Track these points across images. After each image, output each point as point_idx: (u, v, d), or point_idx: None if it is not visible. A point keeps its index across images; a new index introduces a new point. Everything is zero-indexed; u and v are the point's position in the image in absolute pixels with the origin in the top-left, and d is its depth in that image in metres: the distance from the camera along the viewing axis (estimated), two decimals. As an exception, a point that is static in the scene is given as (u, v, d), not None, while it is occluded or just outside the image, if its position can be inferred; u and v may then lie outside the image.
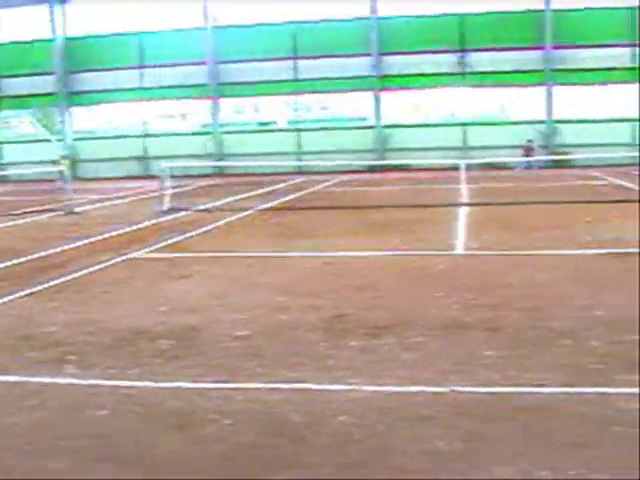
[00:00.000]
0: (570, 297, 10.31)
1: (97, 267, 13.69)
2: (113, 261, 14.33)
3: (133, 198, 29.95)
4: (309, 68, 46.77)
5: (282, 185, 33.42)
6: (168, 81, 48.10)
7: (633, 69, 45.34)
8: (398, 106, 48.29)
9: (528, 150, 42.61)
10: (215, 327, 9.14)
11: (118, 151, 49.11)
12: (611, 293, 10.51)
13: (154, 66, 48.14)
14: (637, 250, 13.83)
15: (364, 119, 48.99)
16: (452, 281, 11.70)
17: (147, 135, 50.24)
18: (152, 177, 34.60)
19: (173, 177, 26.73)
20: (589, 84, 45.36)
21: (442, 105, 48.76)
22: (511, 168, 41.05)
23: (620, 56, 44.92)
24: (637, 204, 21.16)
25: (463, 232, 17.11)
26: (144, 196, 29.82)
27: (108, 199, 29.67)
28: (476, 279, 11.85)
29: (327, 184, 33.94)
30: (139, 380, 7.27)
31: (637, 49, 45.04)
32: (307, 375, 7.27)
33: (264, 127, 50.59)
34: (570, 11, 44.43)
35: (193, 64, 47.76)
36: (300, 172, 40.95)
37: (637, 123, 45.46)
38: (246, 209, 23.03)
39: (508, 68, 45.16)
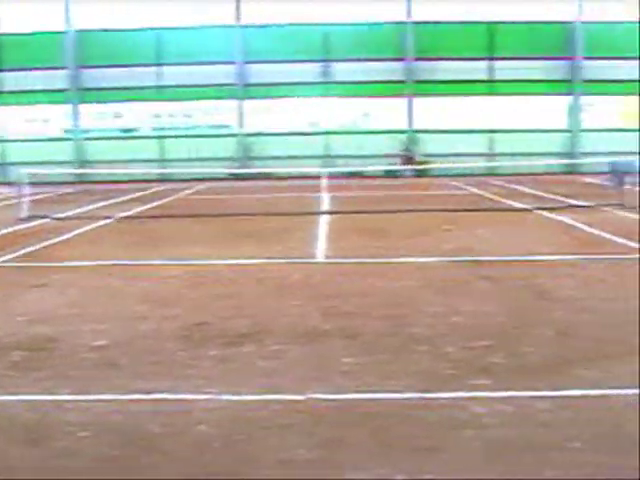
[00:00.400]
0: (427, 304, 10.53)
1: (-50, 277, 13.31)
2: (-33, 270, 13.96)
3: (-11, 205, 29.16)
4: (173, 75, 46.40)
5: (145, 193, 33.06)
6: (29, 85, 46.84)
7: (489, 82, 46.73)
8: (263, 114, 48.30)
9: (408, 159, 43.12)
10: (72, 337, 8.97)
11: (-27, 156, 47.70)
12: (467, 300, 10.79)
13: (12, 70, 46.87)
14: (492, 258, 14.28)
15: (227, 127, 48.86)
16: (312, 289, 11.80)
17: (5, 140, 48.84)
18: (10, 184, 33.78)
19: (33, 184, 26.15)
20: (448, 95, 46.44)
21: (306, 114, 49.06)
22: (375, 177, 41.63)
23: (477, 69, 46.25)
24: (493, 213, 21.85)
25: (324, 240, 17.25)
26: (1, 203, 29.06)
27: (-38, 206, 28.82)
28: (335, 287, 11.97)
29: (190, 192, 33.76)
30: (-9, 393, 7.10)
31: (494, 62, 46.45)
32: (166, 385, 7.21)
33: (127, 134, 49.86)
34: (432, 24, 45.48)
35: (54, 69, 46.72)
36: (163, 180, 40.63)
37: (493, 134, 46.87)
38: (107, 217, 22.71)
39: (371, 78, 45.82)
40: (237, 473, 5.42)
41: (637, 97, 47.40)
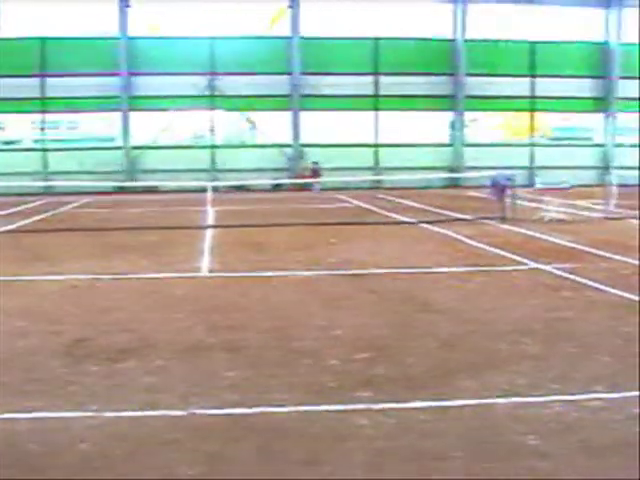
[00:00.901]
0: (311, 317, 10.60)
1: None
2: None
3: None
4: (57, 86, 45.50)
5: (26, 206, 32.31)
6: None
7: (374, 97, 47.33)
8: (148, 127, 47.85)
9: (315, 172, 43.02)
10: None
11: None
12: (350, 313, 10.89)
13: None
14: (376, 271, 14.44)
15: (112, 139, 48.23)
16: (196, 303, 11.74)
17: None
18: None
19: None
20: (334, 110, 46.82)
21: (191, 127, 48.83)
22: (261, 191, 41.67)
23: (363, 84, 46.81)
24: (378, 226, 22.11)
25: (208, 254, 17.17)
26: None
27: None
28: (219, 301, 11.95)
29: (73, 205, 33.19)
30: None
31: (379, 77, 47.07)
32: (46, 403, 7.08)
33: (9, 146, 48.72)
34: (318, 39, 45.83)
35: None
36: (46, 193, 39.76)
37: (378, 148, 47.47)
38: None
39: (257, 92, 45.86)
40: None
41: (521, 112, 48.80)
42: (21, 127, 49.03)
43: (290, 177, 43.98)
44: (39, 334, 9.68)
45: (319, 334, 9.59)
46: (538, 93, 48.13)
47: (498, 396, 7.16)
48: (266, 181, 42.54)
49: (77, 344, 9.11)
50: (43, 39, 45.25)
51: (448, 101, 47.89)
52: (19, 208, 31.13)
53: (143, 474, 5.58)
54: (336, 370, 8.05)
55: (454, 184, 44.82)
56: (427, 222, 23.28)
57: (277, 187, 42.68)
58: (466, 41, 47.00)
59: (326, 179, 39.00)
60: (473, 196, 35.68)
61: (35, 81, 45.67)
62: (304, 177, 41.21)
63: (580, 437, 6.15)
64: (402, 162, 44.84)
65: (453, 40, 47.40)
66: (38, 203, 33.54)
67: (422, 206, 29.87)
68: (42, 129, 47.85)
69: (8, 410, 6.89)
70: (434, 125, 48.70)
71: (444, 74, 47.52)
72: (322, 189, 38.21)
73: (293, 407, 6.92)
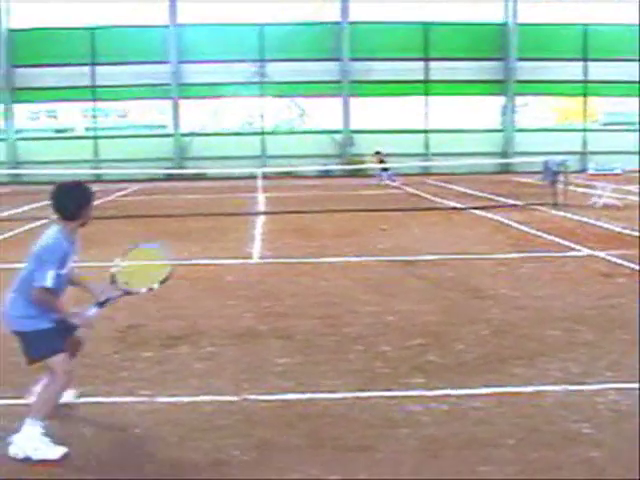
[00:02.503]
0: (362, 303, 10.56)
1: None
2: None
3: None
4: (108, 74, 45.83)
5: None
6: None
7: (424, 83, 47.08)
8: (197, 114, 48.08)
9: (381, 159, 42.86)
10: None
11: None
12: (401, 299, 10.84)
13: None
14: (426, 257, 14.37)
15: (163, 127, 48.55)
16: (246, 290, 11.75)
17: None
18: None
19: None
20: (384, 96, 46.66)
21: (240, 114, 48.99)
22: (310, 177, 41.62)
23: (413, 70, 46.54)
24: (428, 212, 22.00)
25: (259, 241, 17.20)
26: None
27: None
28: (270, 287, 11.96)
29: (124, 193, 33.42)
30: None
31: (429, 63, 46.80)
32: (99, 388, 7.13)
33: (61, 134, 49.23)
34: (368, 24, 45.65)
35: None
36: (97, 180, 40.07)
37: (429, 134, 47.23)
38: (39, 218, 22.35)
39: (306, 79, 45.81)
40: (171, 476, 5.38)
41: (573, 97, 48.29)
42: (72, 115, 49.48)
43: (339, 163, 43.93)
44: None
45: (370, 320, 9.56)
46: (590, 77, 47.56)
47: (551, 383, 7.09)
48: (315, 167, 42.51)
49: (130, 330, 9.18)
50: (94, 28, 45.64)
51: (499, 86, 47.58)
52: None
53: (195, 459, 5.60)
54: (388, 356, 8.02)
55: (505, 170, 44.46)
56: (478, 208, 23.14)
57: (326, 173, 42.62)
58: (518, 25, 46.52)
59: (376, 165, 38.76)
60: (524, 182, 35.41)
61: (86, 70, 46.03)
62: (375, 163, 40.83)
63: (634, 426, 6.06)
64: (452, 148, 44.65)
65: (504, 24, 47.02)
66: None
67: (473, 192, 29.69)
68: (93, 117, 48.26)
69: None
70: (485, 110, 48.42)
71: (495, 59, 47.20)
72: (394, 175, 37.70)
73: (345, 393, 6.91)
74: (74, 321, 6.09)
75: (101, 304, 6.20)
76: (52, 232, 6.00)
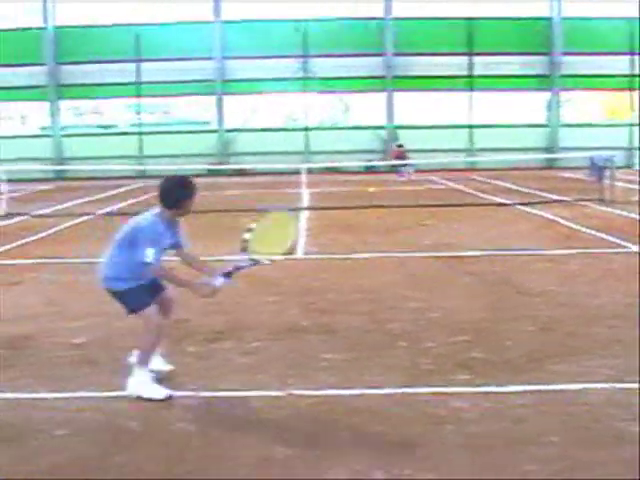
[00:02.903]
0: (406, 299, 10.53)
1: None
2: (-57, 268, 13.80)
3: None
4: (152, 71, 46.13)
5: (123, 189, 32.89)
6: (7, 82, 46.18)
7: (469, 77, 46.86)
8: (241, 110, 48.24)
9: (399, 155, 42.75)
10: (50, 335, 8.90)
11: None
12: (446, 295, 10.79)
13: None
14: (471, 253, 14.30)
15: (207, 123, 48.76)
16: (290, 285, 11.77)
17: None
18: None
19: (10, 181, 25.98)
20: (428, 91, 46.55)
21: (284, 109, 49.07)
22: (355, 172, 41.58)
23: (456, 65, 46.32)
24: (473, 207, 21.88)
25: (303, 236, 17.17)
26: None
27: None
28: (314, 283, 11.95)
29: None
30: (-33, 392, 7.01)
31: (473, 58, 46.55)
32: (144, 383, 7.17)
33: (105, 130, 49.61)
34: (411, 19, 45.53)
35: (32, 65, 46.22)
36: (142, 176, 40.31)
37: (473, 129, 46.99)
38: (85, 214, 22.58)
39: (350, 74, 45.81)
40: (216, 471, 5.39)
41: (620, 92, 47.76)
42: (117, 112, 49.84)
43: (383, 159, 43.85)
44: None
45: (415, 316, 9.52)
46: (637, 71, 47.00)
47: (597, 381, 7.01)
48: (359, 163, 42.46)
49: (174, 325, 9.18)
50: (138, 26, 45.87)
51: (544, 80, 47.20)
52: (116, 191, 31.70)
53: (239, 454, 5.60)
54: (433, 353, 7.98)
55: (550, 165, 44.14)
56: (523, 204, 22.97)
57: (370, 169, 42.53)
58: (563, 19, 46.11)
59: (420, 161, 38.56)
60: (570, 177, 35.13)
61: (131, 66, 46.33)
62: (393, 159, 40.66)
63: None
64: (497, 143, 44.29)
65: (549, 18, 46.61)
66: (134, 186, 34.04)
67: (517, 187, 29.50)
68: (137, 113, 48.58)
69: (107, 388, 7.00)
70: (530, 105, 48.04)
71: (540, 53, 46.79)
72: (415, 170, 37.62)
73: (390, 389, 6.88)
74: (200, 291, 7.05)
75: (228, 274, 6.77)
76: (148, 215, 7.02)
